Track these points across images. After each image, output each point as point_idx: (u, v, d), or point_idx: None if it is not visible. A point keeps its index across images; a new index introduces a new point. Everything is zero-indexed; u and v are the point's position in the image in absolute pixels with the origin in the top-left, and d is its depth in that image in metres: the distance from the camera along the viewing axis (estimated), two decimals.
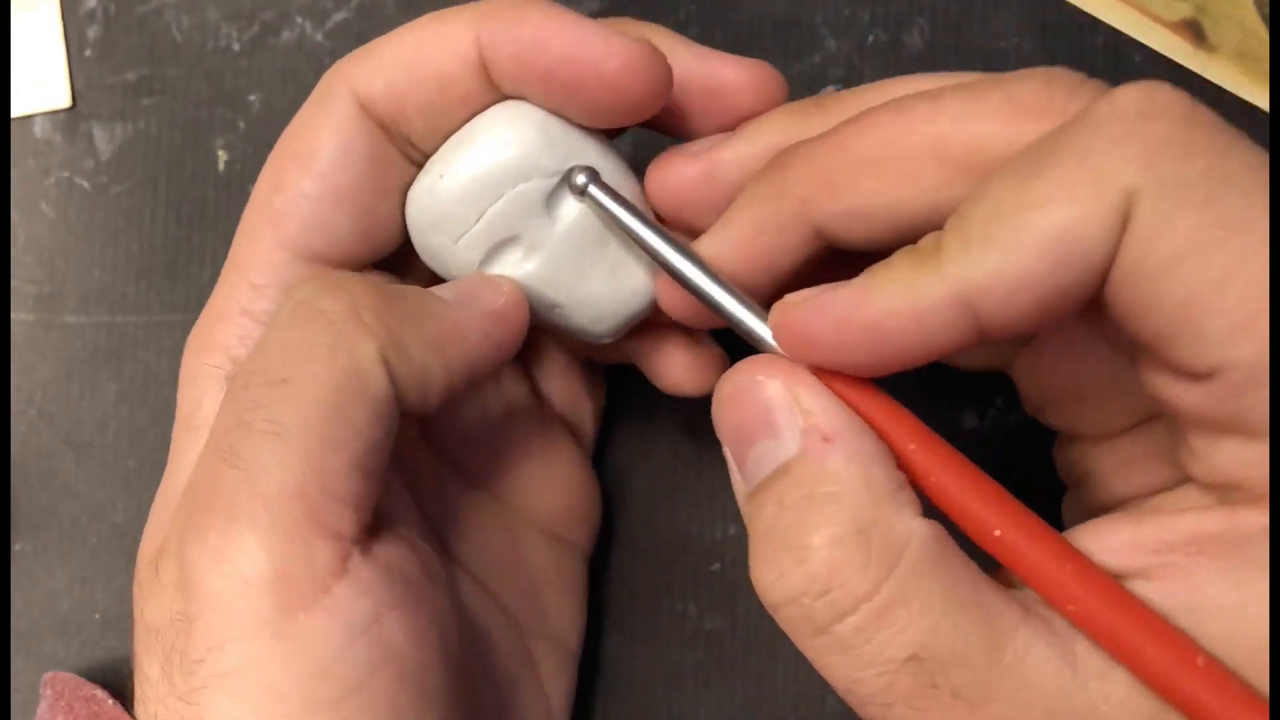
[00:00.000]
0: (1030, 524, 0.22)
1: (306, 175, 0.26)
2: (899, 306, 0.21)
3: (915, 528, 0.21)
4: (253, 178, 0.34)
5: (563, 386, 0.32)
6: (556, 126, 0.26)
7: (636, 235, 0.26)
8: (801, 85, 0.35)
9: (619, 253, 0.27)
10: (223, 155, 0.35)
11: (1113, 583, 0.21)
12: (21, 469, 0.34)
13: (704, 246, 0.26)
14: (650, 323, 0.29)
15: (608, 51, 0.25)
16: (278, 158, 0.27)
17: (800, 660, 0.34)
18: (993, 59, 0.34)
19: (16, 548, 0.34)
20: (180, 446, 0.26)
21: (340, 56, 0.35)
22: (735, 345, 0.29)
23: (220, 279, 0.27)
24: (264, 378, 0.23)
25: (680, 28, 0.35)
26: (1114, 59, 0.34)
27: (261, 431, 0.23)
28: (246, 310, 0.26)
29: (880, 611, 0.21)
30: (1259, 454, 0.20)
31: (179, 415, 0.27)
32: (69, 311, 0.34)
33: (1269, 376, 0.20)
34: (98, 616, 0.34)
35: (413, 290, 0.26)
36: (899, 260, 0.22)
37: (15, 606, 0.34)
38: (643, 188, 0.28)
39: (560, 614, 0.31)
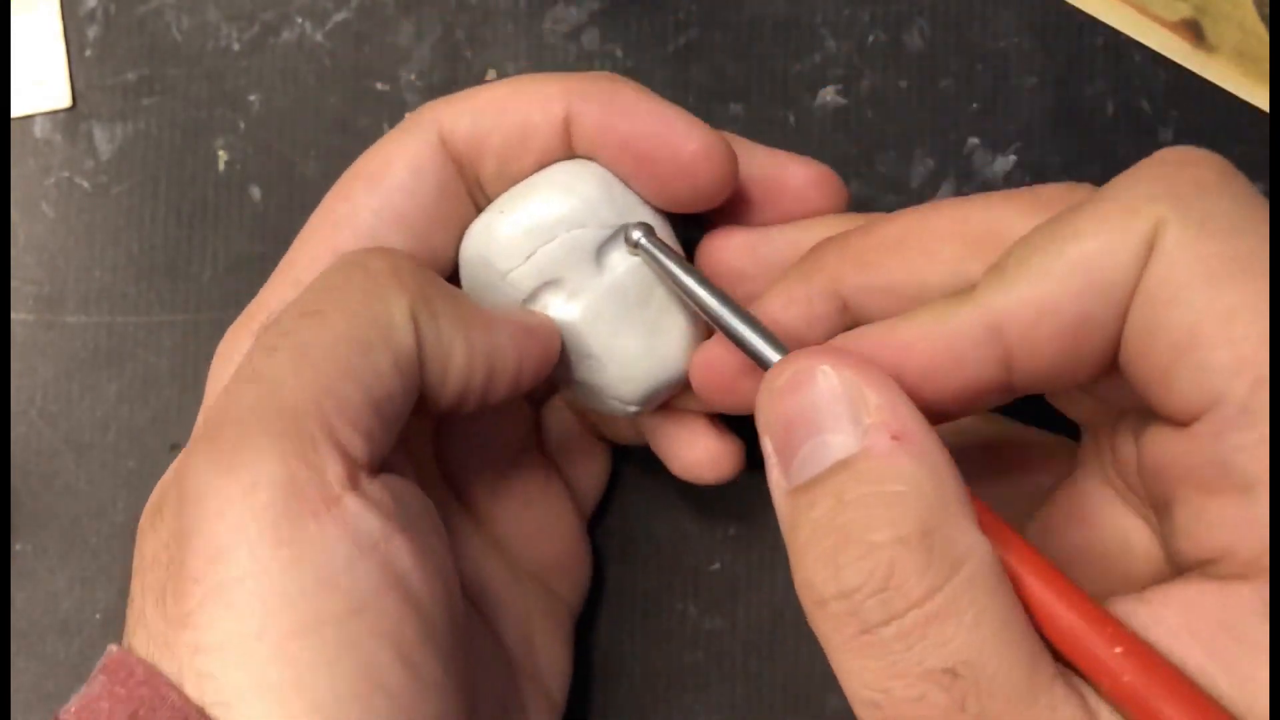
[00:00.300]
0: (1071, 593, 0.21)
1: (374, 190, 0.27)
2: (930, 331, 0.22)
3: (978, 542, 0.21)
4: (253, 178, 0.35)
5: (571, 453, 0.33)
6: (618, 186, 0.27)
7: (685, 286, 0.26)
8: (802, 85, 0.35)
9: (659, 317, 0.28)
10: (223, 155, 0.35)
11: (1159, 659, 0.20)
12: (21, 469, 0.34)
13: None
14: (672, 407, 0.30)
15: (688, 134, 0.26)
16: (351, 172, 0.28)
17: (800, 660, 0.34)
18: (993, 59, 0.34)
19: (16, 548, 0.34)
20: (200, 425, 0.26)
21: (340, 56, 0.35)
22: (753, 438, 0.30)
23: (270, 278, 0.28)
24: (297, 310, 0.24)
25: (680, 28, 0.35)
26: (1114, 59, 0.34)
27: (286, 350, 0.23)
28: (285, 303, 0.26)
29: (930, 618, 0.20)
30: (1247, 513, 0.20)
31: (206, 399, 0.27)
32: (69, 311, 0.34)
33: (1268, 379, 0.20)
34: (98, 616, 0.34)
35: (452, 286, 0.26)
36: (936, 300, 0.23)
37: (15, 606, 0.34)
38: (693, 259, 0.29)
39: (549, 662, 0.30)
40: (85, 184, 0.35)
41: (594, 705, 0.33)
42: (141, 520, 0.25)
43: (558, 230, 0.27)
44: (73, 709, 0.22)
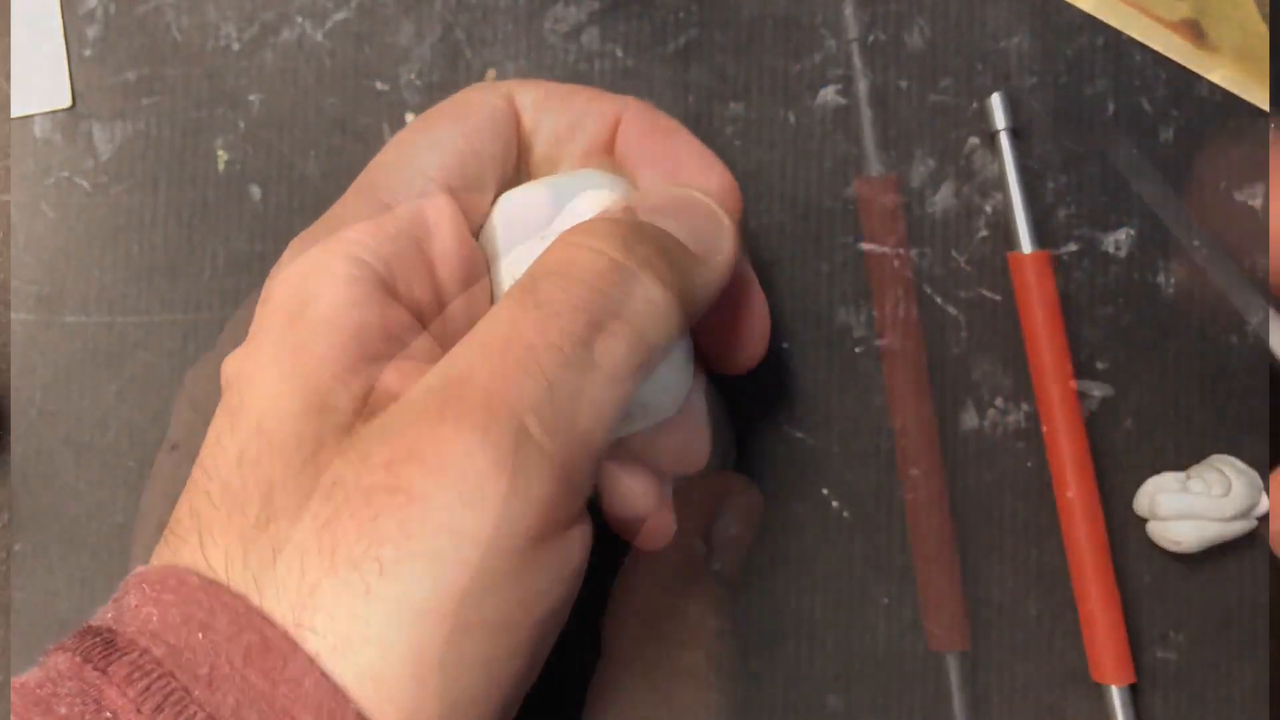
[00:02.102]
0: None
1: (457, 124, 0.28)
2: None
3: None
4: (253, 177, 0.35)
5: None
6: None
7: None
8: (802, 85, 0.35)
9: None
10: (223, 155, 0.35)
11: None
12: (21, 469, 0.34)
13: None
14: (651, 458, 0.30)
15: (715, 165, 0.28)
16: (432, 112, 0.29)
17: (800, 660, 0.34)
18: (993, 59, 0.34)
19: (16, 548, 0.34)
20: (301, 335, 0.24)
21: (340, 56, 0.35)
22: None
23: (347, 193, 0.27)
24: (585, 320, 0.23)
25: (680, 27, 0.35)
26: (1114, 59, 0.34)
27: (580, 366, 0.23)
28: (367, 221, 0.26)
29: None
30: None
31: (285, 306, 0.25)
32: (69, 311, 0.34)
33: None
34: None
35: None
36: None
37: (15, 606, 0.34)
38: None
39: None
40: (85, 184, 0.35)
41: (594, 705, 0.33)
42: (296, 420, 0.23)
43: (596, 204, 0.27)
44: (109, 616, 0.22)
